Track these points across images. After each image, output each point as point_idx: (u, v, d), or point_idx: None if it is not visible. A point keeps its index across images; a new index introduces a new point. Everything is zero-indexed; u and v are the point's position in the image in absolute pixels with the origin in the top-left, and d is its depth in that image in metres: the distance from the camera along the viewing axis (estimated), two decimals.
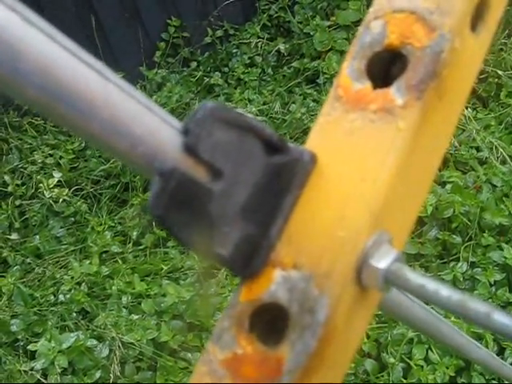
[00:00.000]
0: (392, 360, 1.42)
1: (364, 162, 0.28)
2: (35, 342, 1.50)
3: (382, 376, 1.42)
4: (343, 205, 0.27)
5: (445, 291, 0.25)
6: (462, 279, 1.54)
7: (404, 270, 0.26)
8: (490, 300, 1.50)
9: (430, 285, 0.25)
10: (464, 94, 0.32)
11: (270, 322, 0.28)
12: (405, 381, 1.40)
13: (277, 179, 0.28)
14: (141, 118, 0.24)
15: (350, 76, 0.30)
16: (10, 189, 2.03)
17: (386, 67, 0.30)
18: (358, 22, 2.27)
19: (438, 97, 0.29)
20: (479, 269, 1.57)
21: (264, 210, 0.28)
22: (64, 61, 0.22)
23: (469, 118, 1.83)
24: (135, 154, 0.24)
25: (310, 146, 0.30)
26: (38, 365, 1.44)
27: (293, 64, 2.24)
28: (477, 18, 0.31)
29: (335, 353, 0.27)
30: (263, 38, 2.35)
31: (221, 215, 0.27)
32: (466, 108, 1.88)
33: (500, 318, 0.24)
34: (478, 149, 1.79)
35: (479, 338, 1.43)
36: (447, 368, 1.40)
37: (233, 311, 0.28)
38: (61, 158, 2.07)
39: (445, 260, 1.61)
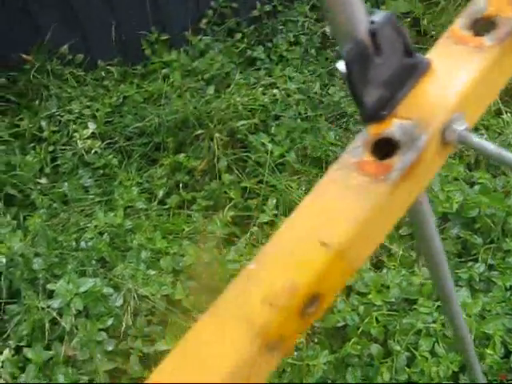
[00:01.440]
0: (398, 348, 1.44)
1: (459, 71, 0.45)
2: (54, 282, 1.55)
3: (386, 362, 1.44)
4: (444, 90, 0.45)
5: (491, 148, 0.43)
6: (477, 279, 1.55)
7: (470, 134, 0.43)
8: (503, 304, 1.51)
9: (484, 144, 0.43)
10: None
11: (385, 155, 0.43)
12: (408, 369, 1.42)
13: (407, 70, 0.45)
14: (357, 4, 0.40)
15: (460, 27, 0.48)
16: (45, 134, 2.07)
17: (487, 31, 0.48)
18: (407, 14, 2.25)
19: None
20: (496, 272, 1.57)
21: (396, 84, 0.45)
22: None
23: (507, 122, 1.82)
24: (345, 23, 0.40)
25: (429, 56, 0.47)
26: (55, 304, 1.48)
27: (337, 48, 2.24)
28: None
29: (421, 171, 0.43)
30: (311, 18, 2.34)
31: (373, 78, 0.43)
32: (506, 112, 1.87)
33: None
34: None
35: (487, 338, 1.44)
36: (451, 363, 1.41)
37: (363, 138, 0.44)
38: (97, 110, 2.11)
39: (463, 259, 1.62)
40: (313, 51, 2.28)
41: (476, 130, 1.84)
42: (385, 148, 0.43)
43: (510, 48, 0.46)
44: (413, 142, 0.42)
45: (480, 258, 1.60)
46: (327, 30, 2.30)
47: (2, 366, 1.39)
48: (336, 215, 0.41)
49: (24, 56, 2.23)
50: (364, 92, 0.43)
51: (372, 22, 0.42)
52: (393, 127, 0.43)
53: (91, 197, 1.91)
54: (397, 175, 0.41)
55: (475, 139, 0.43)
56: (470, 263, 1.60)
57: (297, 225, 0.42)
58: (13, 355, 1.44)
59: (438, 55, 0.48)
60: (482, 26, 0.47)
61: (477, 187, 1.69)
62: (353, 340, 1.47)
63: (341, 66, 0.42)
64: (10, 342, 1.47)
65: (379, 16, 0.42)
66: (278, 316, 0.37)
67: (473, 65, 0.45)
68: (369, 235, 0.42)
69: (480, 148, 0.43)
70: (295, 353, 1.48)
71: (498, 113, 1.88)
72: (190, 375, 0.36)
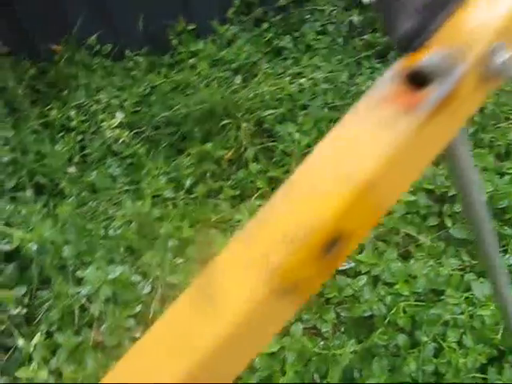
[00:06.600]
0: (425, 338, 1.43)
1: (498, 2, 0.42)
2: (83, 269, 1.57)
3: (413, 352, 1.43)
4: (483, 19, 0.41)
5: None
6: (507, 271, 1.53)
7: None
8: None
9: None
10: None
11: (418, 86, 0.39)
12: (435, 360, 1.41)
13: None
14: None
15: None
16: (73, 124, 2.09)
17: None
18: None
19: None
20: None
21: (432, 11, 0.42)
22: None
23: None
24: None
25: None
26: (84, 290, 1.51)
27: (364, 37, 2.22)
28: None
29: (457, 106, 0.40)
30: (338, 7, 2.32)
31: (406, 4, 0.39)
32: None
33: None
34: None
35: None
36: (480, 355, 1.40)
37: (394, 69, 0.41)
38: (125, 100, 2.12)
39: None
40: (340, 40, 2.26)
41: None
42: (419, 81, 0.40)
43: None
44: (449, 72, 0.39)
45: (509, 249, 1.57)
46: (355, 18, 2.28)
47: (35, 349, 1.42)
48: (363, 149, 0.37)
49: (53, 47, 2.25)
50: (396, 19, 0.40)
51: None
52: (428, 57, 0.40)
53: (119, 186, 1.93)
54: (429, 107, 0.38)
55: None
56: (500, 255, 1.57)
57: (321, 159, 0.38)
58: (44, 339, 1.47)
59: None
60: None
61: (507, 177, 1.66)
62: (379, 330, 1.46)
63: None
64: (42, 326, 1.49)
65: None
66: (295, 253, 0.34)
67: None
68: (399, 171, 0.39)
69: None
70: (321, 342, 1.48)
71: None
72: (201, 319, 0.34)
